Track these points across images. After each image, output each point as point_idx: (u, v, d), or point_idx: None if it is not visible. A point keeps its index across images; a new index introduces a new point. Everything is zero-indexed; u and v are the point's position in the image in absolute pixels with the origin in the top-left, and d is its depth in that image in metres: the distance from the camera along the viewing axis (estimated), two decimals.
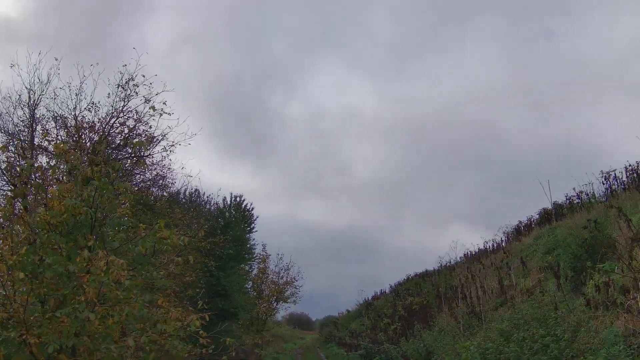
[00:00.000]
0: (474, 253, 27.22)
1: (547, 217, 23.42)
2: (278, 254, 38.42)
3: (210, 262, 21.25)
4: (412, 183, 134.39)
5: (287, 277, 38.12)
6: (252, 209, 42.49)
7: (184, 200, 26.78)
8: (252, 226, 42.12)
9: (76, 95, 16.57)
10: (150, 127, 17.91)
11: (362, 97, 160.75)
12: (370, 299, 44.09)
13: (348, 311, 48.34)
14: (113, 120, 17.68)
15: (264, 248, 38.41)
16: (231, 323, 25.33)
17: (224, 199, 41.79)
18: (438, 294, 21.64)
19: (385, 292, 44.66)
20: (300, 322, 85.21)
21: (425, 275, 31.18)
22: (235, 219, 40.45)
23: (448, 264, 27.78)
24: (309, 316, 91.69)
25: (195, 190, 30.33)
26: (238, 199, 41.95)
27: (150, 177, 19.49)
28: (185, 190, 27.10)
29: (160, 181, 19.29)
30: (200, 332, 7.21)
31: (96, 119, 17.16)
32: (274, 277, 37.94)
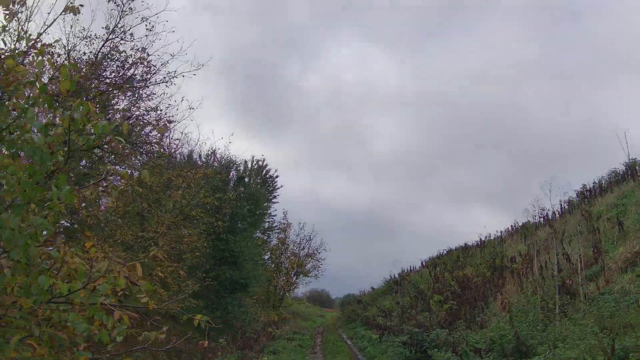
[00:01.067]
0: (525, 223, 23.10)
1: (622, 176, 19.23)
2: (299, 223, 34.79)
3: (218, 222, 17.67)
4: (435, 160, 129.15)
5: (308, 248, 34.66)
6: (277, 176, 38.97)
7: (199, 162, 23.15)
8: (274, 194, 38.68)
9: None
10: (148, 55, 14.34)
11: (383, 69, 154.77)
12: (397, 275, 40.37)
13: (373, 289, 44.65)
14: (105, 46, 14.08)
15: (285, 216, 34.90)
16: (242, 296, 21.85)
17: (245, 162, 38.42)
18: (493, 265, 17.65)
19: (415, 268, 40.89)
20: (320, 299, 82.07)
21: (465, 248, 27.15)
22: (255, 184, 36.98)
23: (497, 235, 23.79)
24: (329, 294, 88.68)
25: (212, 151, 26.07)
26: (260, 163, 38.47)
27: (146, 112, 15.78)
28: (200, 152, 23.42)
29: (157, 116, 15.59)
30: None
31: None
32: (295, 248, 34.49)
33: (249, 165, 38.15)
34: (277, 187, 38.26)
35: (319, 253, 34.75)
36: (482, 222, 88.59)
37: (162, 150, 13.86)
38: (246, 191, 23.55)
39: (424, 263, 38.23)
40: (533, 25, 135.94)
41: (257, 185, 37.82)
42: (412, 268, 41.97)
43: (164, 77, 14.79)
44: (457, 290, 16.88)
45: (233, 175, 21.64)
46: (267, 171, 38.30)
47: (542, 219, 20.78)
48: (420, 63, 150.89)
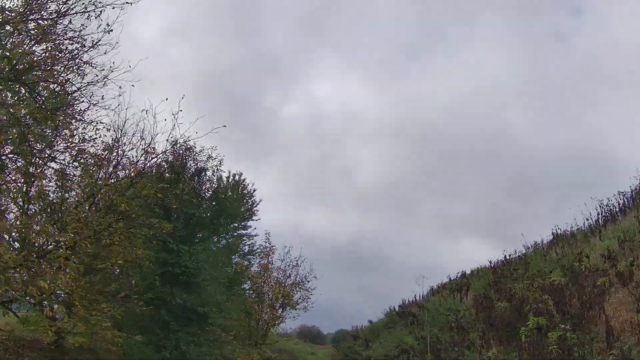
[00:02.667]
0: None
1: None
2: (285, 247, 29.44)
3: (164, 225, 12.51)
4: (420, 190, 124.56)
5: (296, 276, 29.21)
6: (254, 190, 33.81)
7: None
8: (253, 210, 33.45)
9: None
10: None
11: (363, 96, 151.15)
12: (399, 306, 34.89)
13: (371, 322, 38.97)
14: None
15: (268, 238, 29.59)
16: (203, 330, 16.33)
17: (219, 178, 33.30)
18: (572, 271, 12.53)
19: (417, 298, 35.47)
20: (311, 334, 75.52)
21: (507, 262, 21.60)
22: (230, 199, 31.81)
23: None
24: (320, 329, 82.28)
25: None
26: (237, 177, 33.39)
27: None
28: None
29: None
30: None
31: None
32: (279, 275, 29.01)
33: (224, 181, 33.11)
34: (255, 202, 33.16)
35: (308, 282, 29.33)
36: (472, 253, 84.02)
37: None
38: (211, 188, 18.06)
39: (433, 290, 32.99)
40: (516, 47, 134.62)
41: (233, 201, 32.66)
42: (415, 298, 36.76)
43: None
44: (550, 308, 11.29)
45: (190, 166, 16.40)
46: (244, 186, 33.27)
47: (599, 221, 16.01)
48: (401, 89, 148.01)
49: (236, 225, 32.67)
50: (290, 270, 29.04)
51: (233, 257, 30.68)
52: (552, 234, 19.65)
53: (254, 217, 33.09)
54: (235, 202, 32.67)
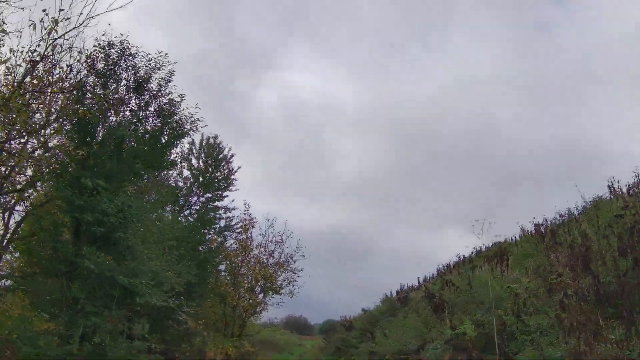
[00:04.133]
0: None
1: None
2: (267, 219, 24.46)
3: (76, 149, 7.63)
4: (404, 182, 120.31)
5: (280, 254, 24.32)
6: (232, 156, 28.80)
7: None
8: (230, 179, 28.45)
9: None
10: None
11: (341, 86, 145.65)
12: (397, 292, 30.25)
13: (365, 310, 34.33)
14: None
15: (247, 209, 24.62)
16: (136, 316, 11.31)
17: (192, 142, 28.25)
18: None
19: (415, 285, 30.88)
20: (298, 325, 70.95)
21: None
22: (205, 165, 26.92)
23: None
24: (307, 320, 77.71)
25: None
26: (212, 140, 28.37)
27: None
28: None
29: None
30: None
31: None
32: (261, 253, 24.12)
33: (197, 144, 28.06)
34: (233, 170, 28.15)
35: (294, 262, 24.43)
36: (457, 246, 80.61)
37: None
38: (160, 120, 12.73)
39: (441, 271, 28.34)
40: (501, 40, 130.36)
41: (210, 168, 27.62)
42: (411, 286, 32.04)
43: None
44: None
45: (130, 76, 11.12)
46: (221, 150, 28.23)
47: None
48: (381, 80, 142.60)
49: (210, 195, 27.73)
50: (274, 247, 24.19)
51: (206, 232, 25.73)
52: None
53: (232, 187, 28.21)
54: (210, 168, 27.73)
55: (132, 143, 11.05)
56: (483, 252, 20.47)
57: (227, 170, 28.22)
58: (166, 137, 11.66)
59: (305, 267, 24.51)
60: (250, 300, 23.29)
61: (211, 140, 28.27)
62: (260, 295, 24.66)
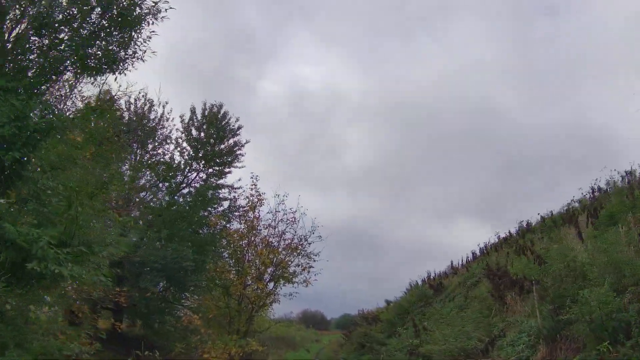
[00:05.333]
0: None
1: None
2: (277, 195, 20.48)
3: None
4: (412, 171, 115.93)
5: (293, 236, 20.41)
6: (239, 128, 24.98)
7: None
8: (236, 152, 24.69)
9: None
10: None
11: (346, 75, 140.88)
12: (426, 280, 26.24)
13: (389, 302, 30.40)
14: None
15: (255, 183, 20.72)
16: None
17: (193, 110, 24.59)
18: None
19: (447, 270, 26.83)
20: (314, 320, 67.36)
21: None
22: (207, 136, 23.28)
23: None
24: (323, 314, 74.14)
25: None
26: (216, 109, 24.64)
27: None
28: None
29: None
30: None
31: None
32: (269, 233, 20.24)
33: (199, 113, 24.29)
34: (240, 143, 24.30)
35: (309, 244, 20.50)
36: (469, 236, 76.50)
37: None
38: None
39: (475, 254, 24.21)
40: (503, 23, 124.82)
41: (212, 139, 23.83)
42: (443, 272, 27.91)
43: None
44: None
45: None
46: (226, 120, 24.42)
47: None
48: (384, 67, 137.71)
49: (213, 171, 23.98)
50: (285, 227, 20.30)
51: (207, 213, 21.99)
52: None
53: (237, 163, 24.43)
54: (212, 140, 23.96)
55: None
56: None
57: (232, 144, 24.52)
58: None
59: (322, 252, 20.62)
60: (259, 290, 19.46)
61: (215, 109, 24.57)
62: (270, 285, 20.83)
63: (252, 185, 20.60)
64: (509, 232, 21.22)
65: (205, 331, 18.84)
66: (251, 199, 20.46)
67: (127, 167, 22.74)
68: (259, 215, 20.29)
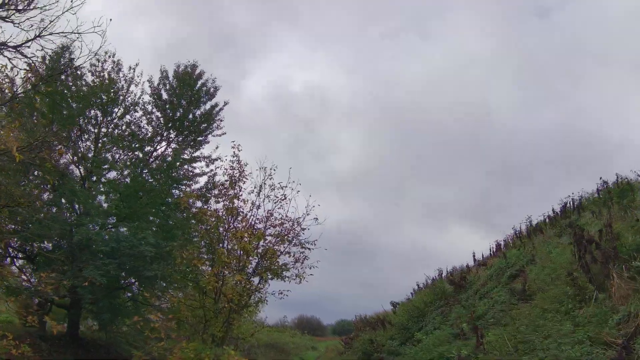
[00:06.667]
0: None
1: None
2: (262, 167, 16.09)
3: None
4: (404, 175, 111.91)
5: (284, 218, 16.10)
6: (216, 89, 20.66)
7: None
8: (213, 118, 20.41)
9: None
10: None
11: (332, 75, 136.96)
12: (444, 275, 21.96)
13: (396, 305, 26.13)
14: None
15: (236, 153, 16.36)
16: None
17: (162, 71, 20.32)
18: None
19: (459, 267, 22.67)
20: (310, 326, 62.88)
21: None
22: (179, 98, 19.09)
23: None
24: (319, 320, 69.68)
25: None
26: (190, 69, 20.38)
27: None
28: None
29: None
30: None
31: None
32: (251, 214, 15.92)
33: (171, 75, 20.00)
34: (218, 107, 20.02)
35: (303, 231, 16.15)
36: (463, 242, 72.77)
37: None
38: None
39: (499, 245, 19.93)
40: (494, 23, 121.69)
41: (184, 101, 19.51)
42: (464, 265, 23.48)
43: None
44: None
45: None
46: (203, 83, 20.13)
47: None
48: (376, 68, 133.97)
49: (186, 138, 19.64)
50: (273, 207, 15.96)
51: (176, 187, 17.68)
52: None
53: (215, 131, 20.11)
54: (185, 101, 19.63)
55: None
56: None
57: (209, 107, 20.22)
58: None
59: (320, 239, 16.30)
60: (240, 284, 15.09)
61: (189, 69, 20.26)
62: (257, 281, 16.44)
63: (233, 156, 16.28)
64: (553, 211, 17.03)
65: (175, 337, 14.48)
66: (231, 172, 16.13)
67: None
68: (241, 193, 15.94)
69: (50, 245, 16.20)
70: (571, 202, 16.79)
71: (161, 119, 19.47)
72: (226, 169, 16.26)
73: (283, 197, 16.04)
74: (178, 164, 16.67)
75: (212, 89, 20.07)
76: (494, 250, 20.35)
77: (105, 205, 17.25)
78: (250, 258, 15.92)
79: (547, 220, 17.35)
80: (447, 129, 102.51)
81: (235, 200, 15.93)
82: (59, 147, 15.31)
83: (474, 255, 21.35)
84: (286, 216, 16.08)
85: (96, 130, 19.24)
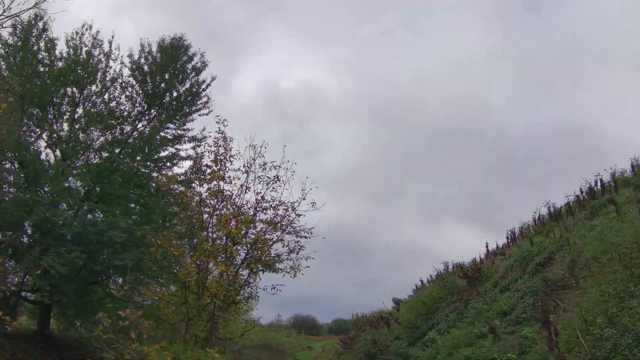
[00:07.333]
0: None
1: None
2: (252, 145, 14.00)
3: None
4: (398, 173, 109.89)
5: (277, 201, 14.04)
6: (204, 64, 18.49)
7: None
8: (199, 94, 18.28)
9: None
10: None
11: (323, 71, 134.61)
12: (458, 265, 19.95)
13: (399, 302, 24.22)
14: None
15: (221, 129, 14.24)
16: None
17: (143, 44, 18.14)
18: None
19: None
20: (306, 325, 60.88)
21: None
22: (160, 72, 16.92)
23: None
24: (315, 319, 67.77)
25: None
26: (175, 42, 18.26)
27: None
28: None
29: None
30: None
31: None
32: (239, 198, 13.84)
33: (155, 49, 17.91)
34: (204, 83, 17.92)
35: (298, 216, 14.07)
36: (460, 241, 71.26)
37: None
38: None
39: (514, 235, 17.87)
40: (489, 17, 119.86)
41: (166, 76, 17.42)
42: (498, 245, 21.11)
43: None
44: None
45: None
46: (190, 56, 18.03)
47: None
48: (366, 65, 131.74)
49: (169, 114, 17.51)
50: (265, 191, 13.88)
51: (154, 169, 15.58)
52: None
53: (201, 110, 18.02)
54: (167, 76, 17.50)
55: None
56: None
57: (194, 84, 18.12)
58: None
59: (318, 225, 14.23)
60: (226, 277, 13.00)
61: (175, 42, 18.10)
62: (246, 273, 14.32)
63: (218, 132, 14.17)
64: (581, 191, 15.11)
65: (148, 338, 12.36)
66: (216, 149, 14.03)
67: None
68: (226, 172, 13.82)
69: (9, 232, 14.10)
70: (599, 182, 14.89)
71: (141, 94, 17.36)
72: (210, 146, 14.24)
73: (276, 179, 13.98)
74: (158, 140, 14.55)
75: (199, 64, 18.02)
76: (510, 240, 18.40)
77: (79, 188, 15.24)
78: (239, 248, 13.90)
79: (569, 205, 15.40)
80: (442, 126, 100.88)
81: (221, 183, 13.89)
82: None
83: (487, 246, 19.39)
84: (280, 201, 14.04)
85: (72, 109, 17.24)
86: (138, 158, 14.63)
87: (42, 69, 16.73)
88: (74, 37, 17.31)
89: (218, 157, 13.98)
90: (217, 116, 14.08)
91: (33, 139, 16.68)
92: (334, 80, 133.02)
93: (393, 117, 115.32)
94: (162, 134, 17.06)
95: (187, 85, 17.52)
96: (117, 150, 16.21)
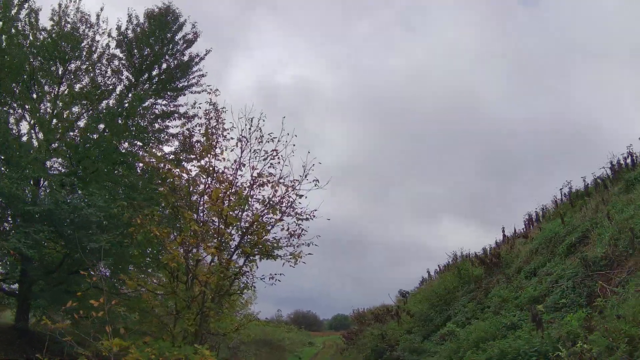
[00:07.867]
0: None
1: None
2: (247, 118, 12.40)
3: None
4: (393, 169, 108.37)
5: (276, 178, 12.47)
6: (195, 35, 16.87)
7: None
8: (191, 68, 16.69)
9: None
10: None
11: (315, 67, 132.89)
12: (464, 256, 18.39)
13: (405, 295, 22.71)
14: None
15: (213, 102, 12.60)
16: None
17: (132, 15, 16.50)
18: None
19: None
20: (307, 321, 59.59)
21: None
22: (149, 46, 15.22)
23: None
24: (316, 315, 66.52)
25: None
26: (162, 14, 16.64)
27: None
28: None
29: None
30: None
31: None
32: (232, 174, 12.29)
33: (143, 19, 16.33)
34: (197, 56, 16.36)
35: (300, 197, 12.46)
36: (454, 237, 70.11)
37: None
38: None
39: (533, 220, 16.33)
40: (481, 13, 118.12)
41: (155, 48, 15.85)
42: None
43: None
44: None
45: None
46: (180, 25, 16.45)
47: None
48: (360, 61, 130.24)
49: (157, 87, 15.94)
50: (262, 168, 12.30)
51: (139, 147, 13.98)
52: None
53: (194, 85, 16.45)
54: (156, 48, 15.93)
55: None
56: None
57: (186, 57, 16.54)
58: None
59: (321, 207, 12.63)
60: (219, 262, 11.44)
61: (162, 14, 16.54)
62: (240, 261, 12.74)
63: (208, 103, 12.57)
64: (611, 164, 13.61)
65: (125, 333, 10.83)
66: (206, 122, 12.44)
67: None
68: (219, 146, 12.23)
69: None
70: (629, 156, 13.38)
71: (128, 66, 15.81)
72: (200, 118, 12.65)
73: (275, 153, 12.38)
74: (141, 109, 12.97)
75: (190, 35, 16.45)
76: (527, 223, 16.86)
77: (59, 168, 13.75)
78: (232, 232, 12.34)
79: (601, 178, 13.89)
80: (432, 122, 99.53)
81: (212, 159, 12.29)
82: None
83: (503, 230, 17.85)
84: (280, 176, 12.44)
85: (56, 87, 15.75)
86: (121, 131, 13.03)
87: (23, 41, 15.25)
88: (58, 9, 15.85)
89: (209, 129, 12.42)
90: (208, 86, 12.51)
91: (14, 118, 15.24)
92: (327, 75, 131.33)
93: (388, 112, 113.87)
94: (152, 110, 15.51)
95: (178, 57, 15.96)
96: (102, 127, 14.69)
